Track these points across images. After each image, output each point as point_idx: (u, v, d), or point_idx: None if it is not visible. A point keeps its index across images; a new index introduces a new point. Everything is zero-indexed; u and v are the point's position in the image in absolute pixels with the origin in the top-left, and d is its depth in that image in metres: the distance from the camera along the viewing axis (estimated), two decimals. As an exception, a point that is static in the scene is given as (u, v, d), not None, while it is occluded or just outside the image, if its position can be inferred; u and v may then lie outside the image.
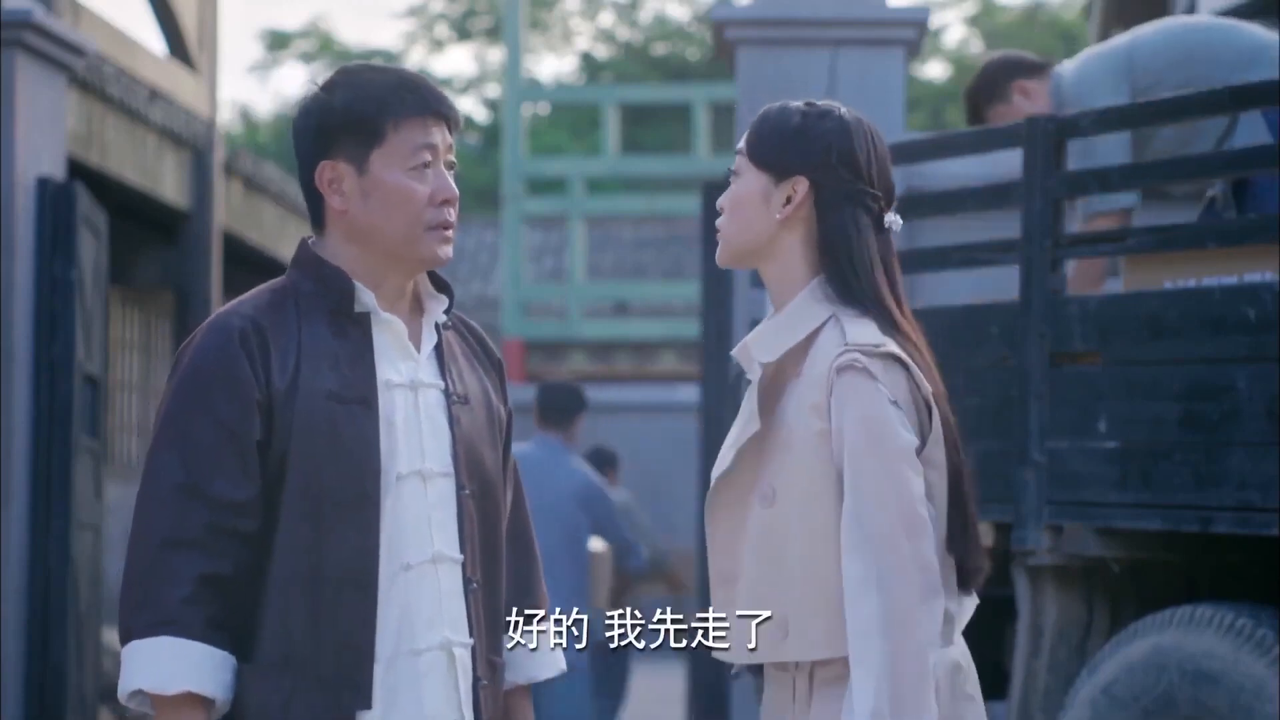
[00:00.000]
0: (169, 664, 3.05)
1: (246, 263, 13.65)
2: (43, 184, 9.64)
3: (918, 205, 6.89)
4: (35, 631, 9.53)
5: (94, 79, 10.60)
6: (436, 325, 3.27)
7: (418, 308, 3.28)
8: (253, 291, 3.23)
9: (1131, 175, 5.42)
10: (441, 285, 3.29)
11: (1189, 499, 4.78)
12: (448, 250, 3.21)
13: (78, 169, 10.44)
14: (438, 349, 3.26)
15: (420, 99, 3.19)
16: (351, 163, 3.18)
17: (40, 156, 9.69)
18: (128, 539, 3.16)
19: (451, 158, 3.24)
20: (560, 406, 8.85)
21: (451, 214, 3.21)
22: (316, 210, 3.24)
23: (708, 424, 9.61)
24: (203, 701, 3.07)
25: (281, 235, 14.43)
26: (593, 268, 22.07)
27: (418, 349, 3.24)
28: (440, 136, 3.20)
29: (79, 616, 9.75)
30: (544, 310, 21.19)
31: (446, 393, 3.23)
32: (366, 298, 3.19)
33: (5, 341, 9.44)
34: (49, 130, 9.80)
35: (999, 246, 5.46)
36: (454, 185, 3.23)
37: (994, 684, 6.10)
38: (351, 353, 3.17)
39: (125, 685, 3.08)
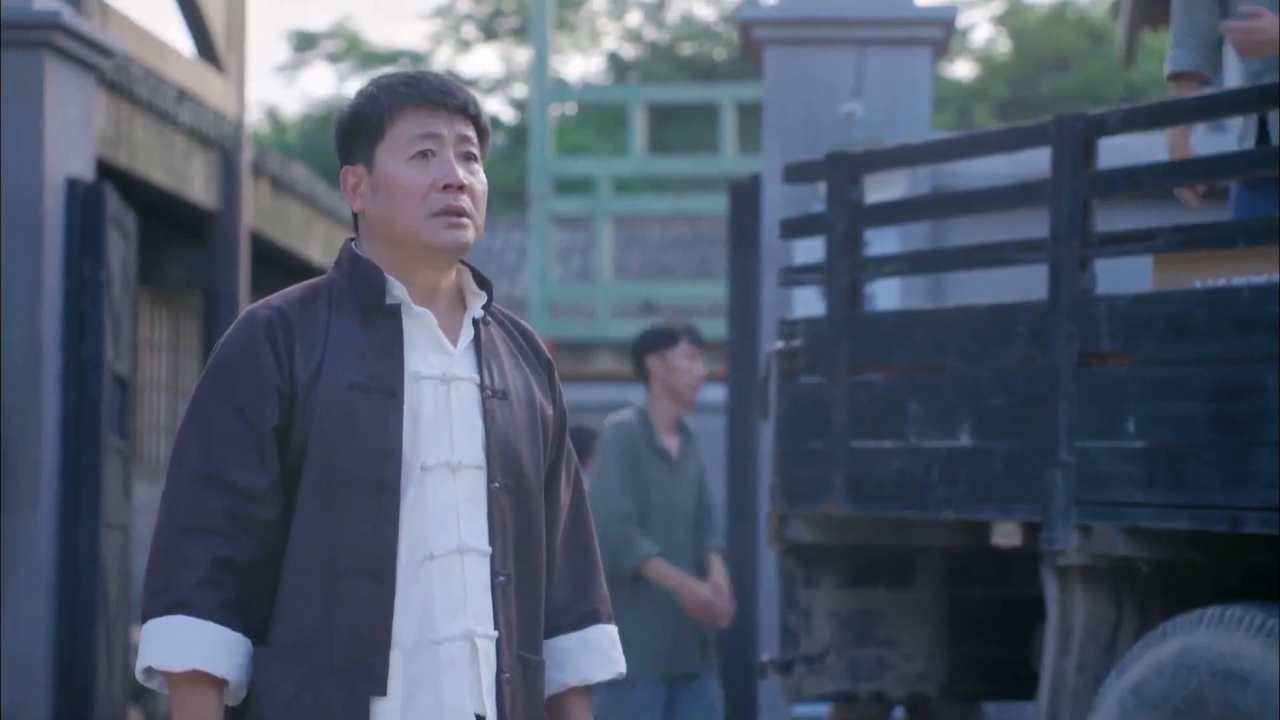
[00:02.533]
0: (179, 642, 3.09)
1: (274, 263, 13.69)
2: (72, 185, 9.67)
3: (946, 204, 6.89)
4: (64, 631, 9.55)
5: (122, 80, 10.63)
6: (475, 320, 3.28)
7: (460, 304, 3.30)
8: (290, 287, 3.27)
9: (1158, 174, 5.40)
10: (483, 282, 3.31)
11: (1218, 499, 4.77)
12: (456, 235, 3.19)
13: (106, 170, 10.47)
14: (476, 343, 3.27)
15: (416, 90, 3.21)
16: (362, 163, 3.23)
17: (69, 157, 9.72)
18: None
19: (470, 148, 3.23)
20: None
21: (459, 199, 3.19)
22: (353, 214, 3.31)
23: (734, 423, 9.61)
24: (213, 680, 3.10)
25: (308, 235, 14.46)
26: (620, 268, 22.06)
27: (455, 343, 3.25)
28: (447, 126, 3.21)
29: (108, 617, 9.77)
30: (571, 310, 21.18)
31: (481, 386, 3.24)
32: (398, 290, 3.21)
33: (35, 342, 9.47)
34: (78, 131, 9.82)
35: (1026, 245, 5.45)
36: (462, 172, 3.21)
37: (1022, 684, 6.09)
38: (380, 345, 3.19)
39: (139, 664, 3.14)
